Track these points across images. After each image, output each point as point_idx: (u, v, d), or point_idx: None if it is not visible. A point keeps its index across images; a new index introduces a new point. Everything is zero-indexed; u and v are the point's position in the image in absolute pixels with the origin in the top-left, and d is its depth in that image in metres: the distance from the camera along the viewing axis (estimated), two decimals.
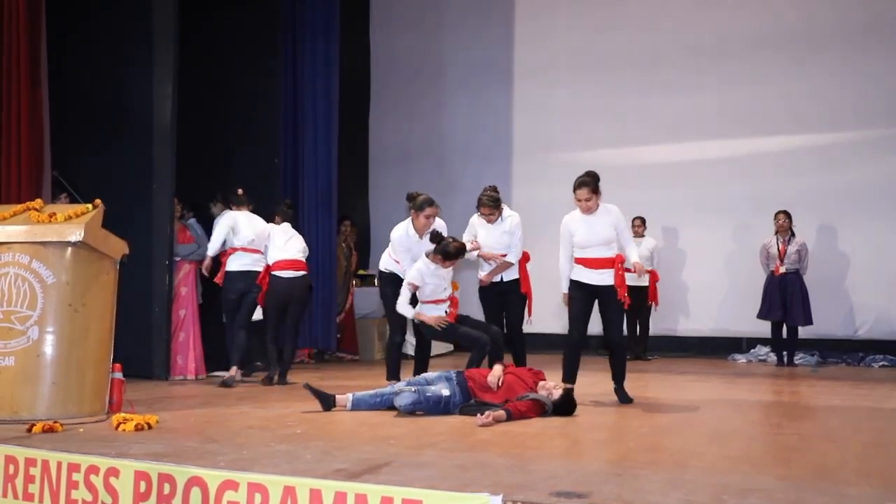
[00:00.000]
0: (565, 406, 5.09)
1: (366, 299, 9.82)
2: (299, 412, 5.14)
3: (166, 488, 3.17)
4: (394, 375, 6.33)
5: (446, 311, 5.94)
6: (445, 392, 5.11)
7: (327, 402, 5.18)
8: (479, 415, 4.73)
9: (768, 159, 9.71)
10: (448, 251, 5.82)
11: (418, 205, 6.14)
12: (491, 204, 6.30)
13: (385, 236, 11.62)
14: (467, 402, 5.10)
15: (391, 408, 5.11)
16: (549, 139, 10.82)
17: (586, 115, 10.57)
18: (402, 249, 6.19)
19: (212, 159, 8.24)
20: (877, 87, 9.29)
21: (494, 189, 6.42)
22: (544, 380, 5.32)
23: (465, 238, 6.36)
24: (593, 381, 7.25)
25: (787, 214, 8.96)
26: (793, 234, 8.96)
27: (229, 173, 8.31)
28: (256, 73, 8.54)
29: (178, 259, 7.35)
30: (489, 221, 6.33)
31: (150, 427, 4.48)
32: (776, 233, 9.00)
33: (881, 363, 8.83)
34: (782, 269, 8.87)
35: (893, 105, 9.22)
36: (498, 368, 5.34)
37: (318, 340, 8.86)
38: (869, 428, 4.85)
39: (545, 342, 10.03)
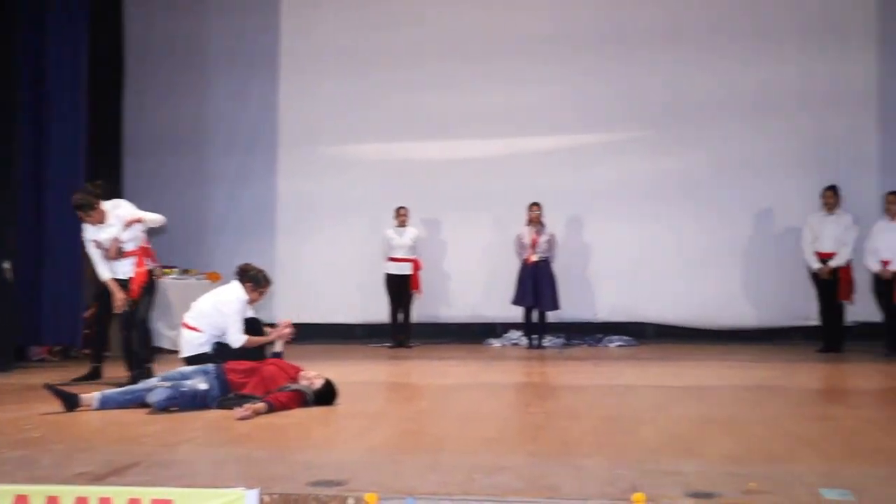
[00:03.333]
0: (326, 395, 5.09)
1: None
2: (38, 414, 4.74)
3: None
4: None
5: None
6: (203, 386, 4.93)
7: (71, 401, 4.82)
8: (237, 408, 4.62)
9: (523, 157, 10.28)
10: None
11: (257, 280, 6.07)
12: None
13: None
14: (226, 395, 4.96)
15: (144, 405, 4.85)
16: (315, 132, 10.74)
17: (352, 109, 10.60)
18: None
19: None
20: (620, 92, 10.08)
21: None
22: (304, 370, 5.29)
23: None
24: (357, 370, 7.32)
25: (539, 206, 9.53)
26: (543, 226, 9.55)
27: None
28: None
29: None
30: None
31: None
32: (528, 223, 9.55)
33: (617, 343, 9.65)
34: (534, 258, 9.42)
35: (631, 110, 10.07)
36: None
37: (62, 336, 8.23)
38: (604, 403, 5.28)
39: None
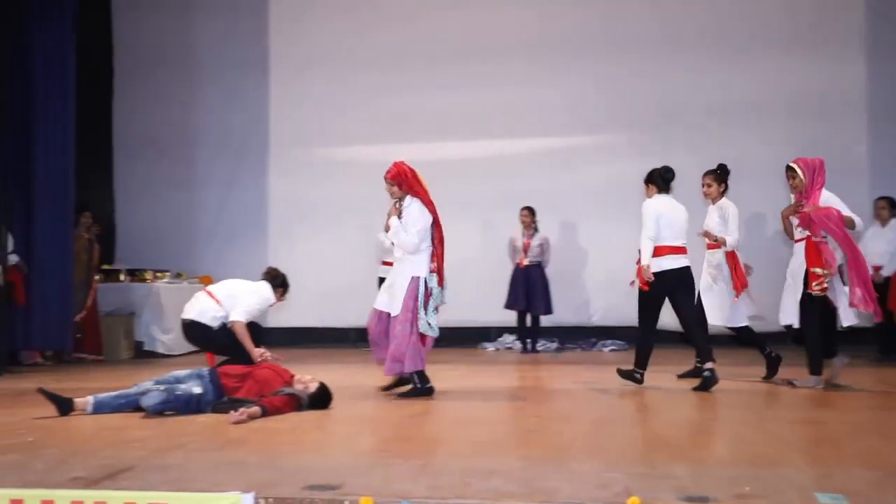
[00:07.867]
0: (321, 399, 5.09)
1: (110, 296, 9.21)
2: (30, 419, 4.73)
3: None
4: None
5: None
6: (197, 390, 4.92)
7: (64, 406, 4.81)
8: (232, 412, 4.62)
9: (515, 159, 10.30)
10: None
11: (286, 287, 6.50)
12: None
13: (132, 228, 10.98)
14: (220, 399, 4.96)
15: (138, 409, 4.84)
16: (306, 134, 10.77)
17: (343, 111, 10.62)
18: None
19: None
20: (609, 96, 10.13)
21: None
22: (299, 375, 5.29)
23: None
24: (350, 374, 7.32)
25: (531, 210, 9.55)
26: (536, 230, 9.57)
27: None
28: None
29: None
30: None
31: None
32: (521, 228, 9.57)
33: (611, 347, 9.67)
34: (526, 262, 9.45)
35: (620, 113, 10.09)
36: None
37: (52, 340, 8.17)
38: (596, 407, 5.29)
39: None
